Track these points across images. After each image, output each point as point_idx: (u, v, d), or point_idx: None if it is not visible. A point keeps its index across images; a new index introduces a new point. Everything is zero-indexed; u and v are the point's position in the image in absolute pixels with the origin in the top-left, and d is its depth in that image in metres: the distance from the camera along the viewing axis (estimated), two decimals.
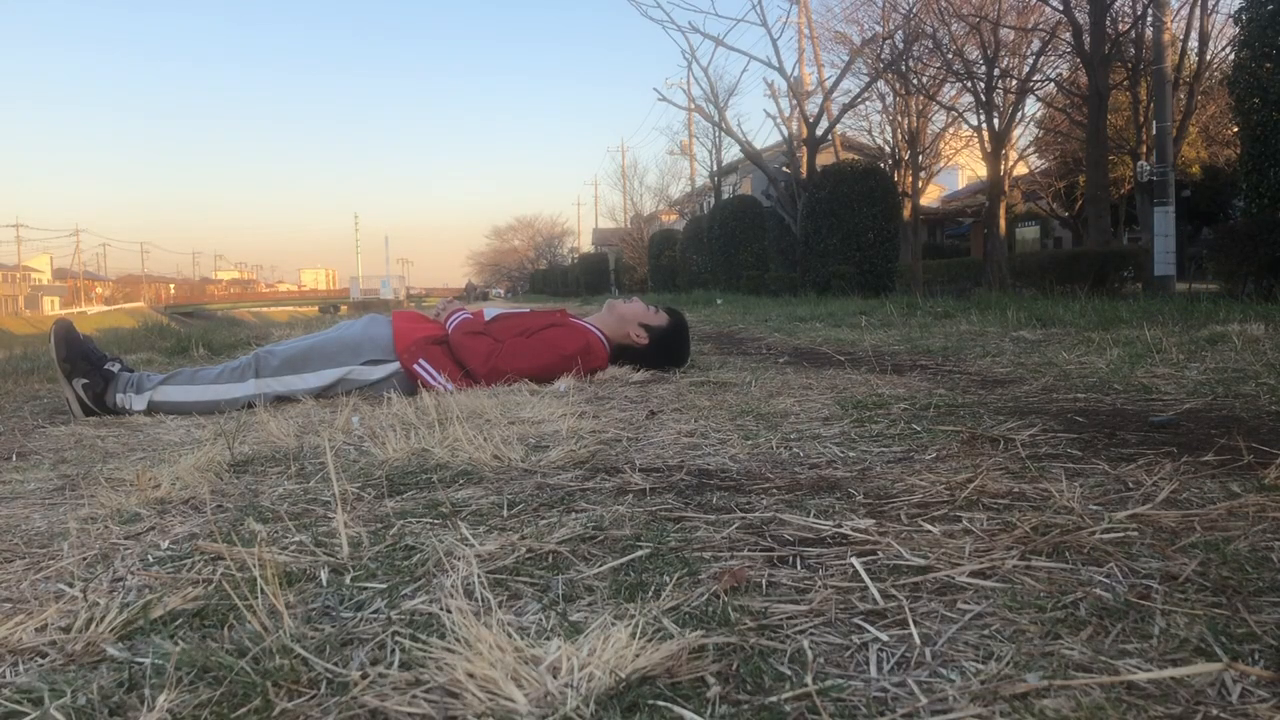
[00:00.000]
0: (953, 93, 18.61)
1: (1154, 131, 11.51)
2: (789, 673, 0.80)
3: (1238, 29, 7.63)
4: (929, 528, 1.21)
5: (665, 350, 3.48)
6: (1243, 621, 0.86)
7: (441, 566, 1.10)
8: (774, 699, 0.75)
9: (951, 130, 19.98)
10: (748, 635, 0.87)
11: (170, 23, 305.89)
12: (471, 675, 0.78)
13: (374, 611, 0.97)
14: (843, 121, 18.75)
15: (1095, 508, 1.27)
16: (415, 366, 2.99)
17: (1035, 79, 16.41)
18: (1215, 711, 0.71)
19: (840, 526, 1.22)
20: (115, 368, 2.85)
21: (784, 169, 18.29)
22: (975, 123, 16.11)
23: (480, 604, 0.97)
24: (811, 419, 2.17)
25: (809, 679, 0.78)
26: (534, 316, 3.36)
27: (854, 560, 1.08)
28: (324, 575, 1.10)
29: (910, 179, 18.93)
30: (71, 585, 1.09)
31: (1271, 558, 1.03)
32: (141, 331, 8.10)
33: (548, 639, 0.87)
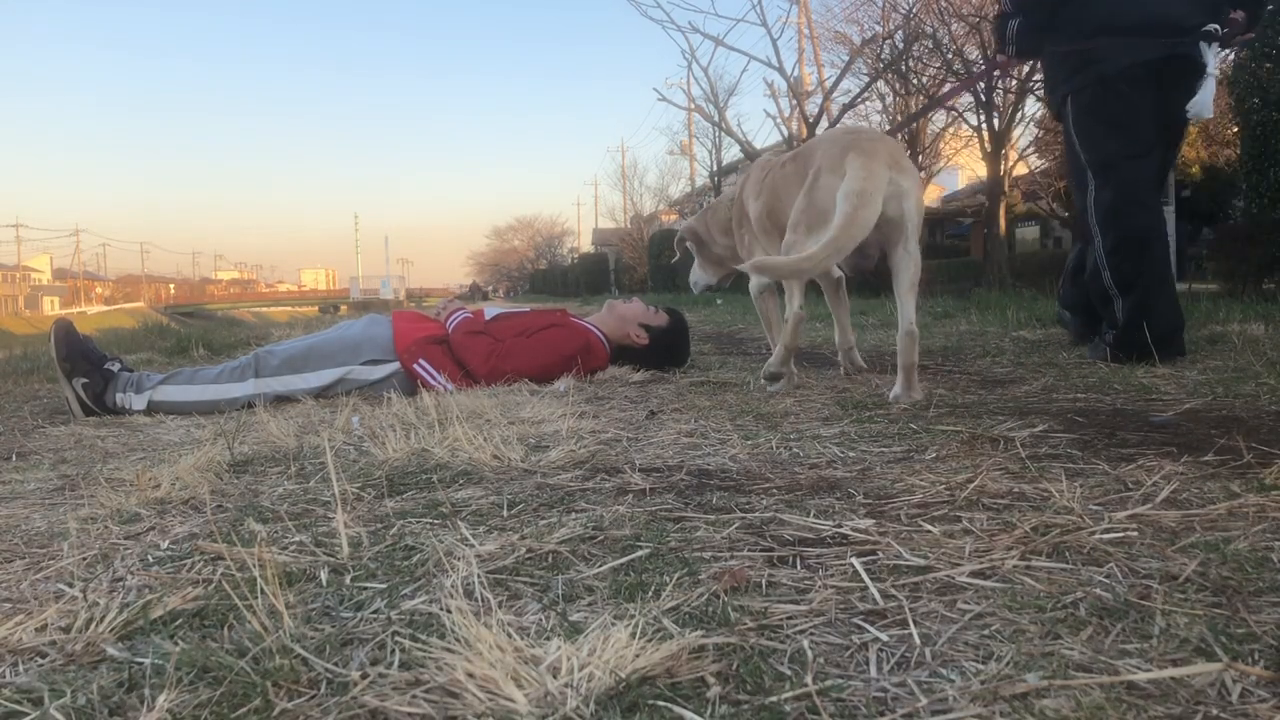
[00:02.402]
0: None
1: None
2: (789, 673, 0.80)
3: None
4: (929, 528, 1.21)
5: (665, 350, 3.48)
6: (1243, 621, 0.86)
7: (441, 566, 1.10)
8: (774, 699, 0.75)
9: (951, 130, 19.97)
10: (748, 635, 0.87)
11: (171, 22, 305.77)
12: (471, 675, 0.78)
13: (374, 611, 0.97)
14: (843, 122, 18.75)
15: (1095, 508, 1.27)
16: (415, 366, 2.99)
17: (1035, 79, 16.41)
18: (1215, 711, 0.71)
19: (840, 526, 1.22)
20: (115, 367, 2.85)
21: None
22: (975, 123, 16.09)
23: (480, 604, 0.97)
24: (811, 419, 2.17)
25: (809, 679, 0.78)
26: (534, 316, 3.36)
27: (854, 560, 1.08)
28: (324, 575, 1.10)
29: None
30: (71, 585, 1.09)
31: (1271, 558, 1.03)
32: (141, 331, 8.11)
33: (548, 639, 0.87)
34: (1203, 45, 2.99)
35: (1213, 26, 2.98)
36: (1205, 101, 2.97)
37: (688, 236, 3.30)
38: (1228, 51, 2.86)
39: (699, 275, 3.36)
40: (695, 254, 3.35)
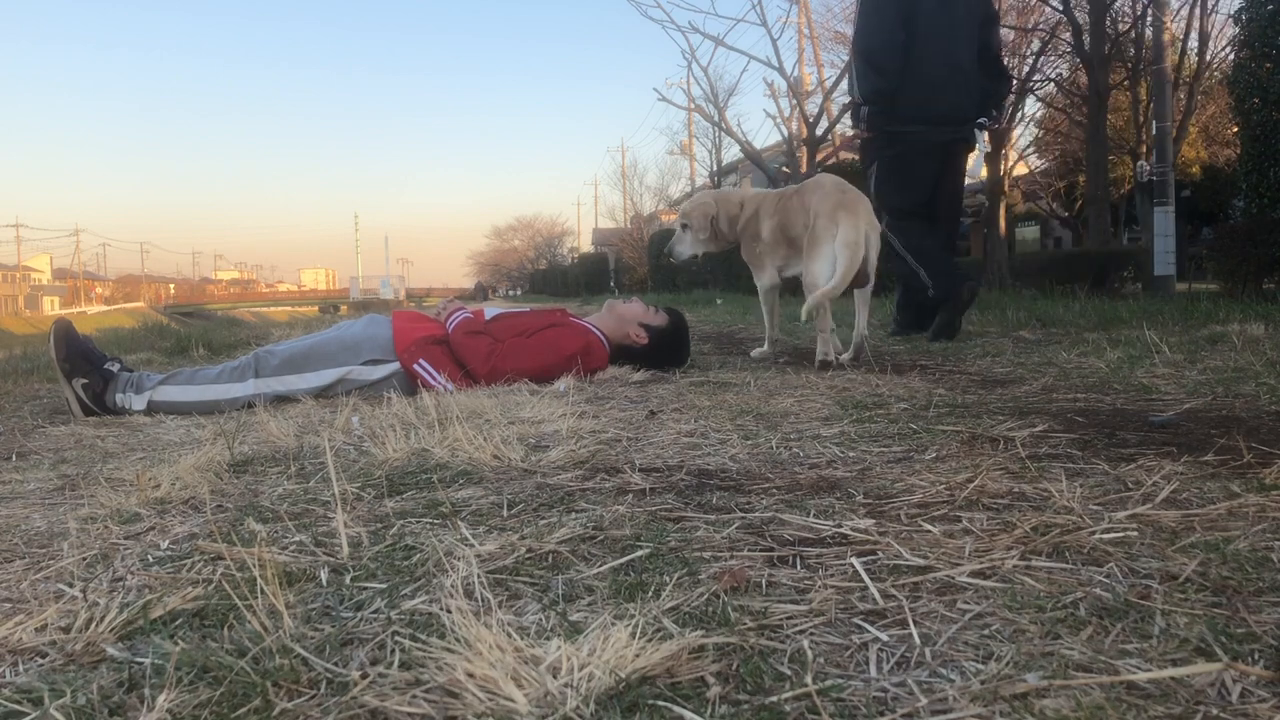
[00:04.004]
0: None
1: (1154, 131, 11.52)
2: (789, 673, 0.80)
3: (1238, 29, 7.63)
4: (929, 528, 1.21)
5: (665, 350, 3.47)
6: (1243, 621, 0.86)
7: (441, 566, 1.10)
8: (774, 699, 0.75)
9: None
10: (748, 635, 0.87)
11: (171, 22, 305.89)
12: (471, 675, 0.78)
13: (374, 611, 0.97)
14: (843, 121, 18.74)
15: (1095, 508, 1.27)
16: (415, 366, 2.99)
17: (1035, 79, 16.41)
18: (1215, 711, 0.71)
19: (840, 526, 1.22)
20: (115, 368, 2.85)
21: (784, 169, 18.30)
22: None
23: (480, 604, 0.97)
24: (811, 419, 2.17)
25: (809, 679, 0.78)
26: (534, 316, 3.36)
27: (854, 560, 1.08)
28: (324, 575, 1.10)
29: None
30: (71, 585, 1.09)
31: (1271, 558, 1.03)
32: (141, 331, 8.11)
33: (548, 639, 0.87)
34: (976, 131, 4.83)
35: (983, 119, 4.81)
36: (976, 170, 5.01)
37: (700, 211, 3.85)
38: (987, 132, 5.09)
39: (686, 246, 3.91)
40: (691, 228, 3.88)
